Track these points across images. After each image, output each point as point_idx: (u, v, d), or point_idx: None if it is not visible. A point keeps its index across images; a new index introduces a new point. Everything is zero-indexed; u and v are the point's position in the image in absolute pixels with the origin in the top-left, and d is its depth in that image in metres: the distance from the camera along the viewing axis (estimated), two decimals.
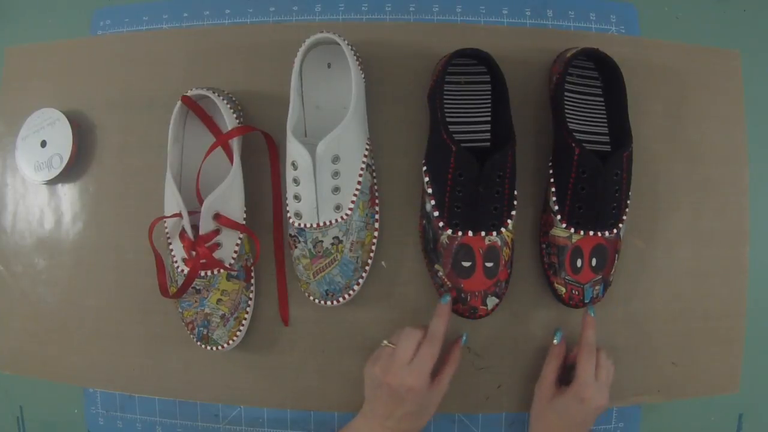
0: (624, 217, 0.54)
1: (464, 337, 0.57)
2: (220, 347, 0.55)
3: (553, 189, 0.54)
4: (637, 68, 0.60)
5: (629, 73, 0.54)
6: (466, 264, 0.52)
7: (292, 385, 0.59)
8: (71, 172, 0.63)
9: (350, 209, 0.54)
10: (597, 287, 0.54)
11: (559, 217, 0.54)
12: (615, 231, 0.53)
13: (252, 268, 0.58)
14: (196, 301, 0.55)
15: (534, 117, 0.59)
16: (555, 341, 0.56)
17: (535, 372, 0.57)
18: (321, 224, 0.53)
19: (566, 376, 0.55)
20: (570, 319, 0.58)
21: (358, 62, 0.56)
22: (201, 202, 0.53)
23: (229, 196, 0.54)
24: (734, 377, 0.60)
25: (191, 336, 0.56)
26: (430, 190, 0.54)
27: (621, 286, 0.58)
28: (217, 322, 0.55)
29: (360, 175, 0.54)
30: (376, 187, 0.58)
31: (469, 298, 0.53)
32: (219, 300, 0.55)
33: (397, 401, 0.50)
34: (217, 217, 0.54)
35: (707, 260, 0.60)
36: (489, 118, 0.58)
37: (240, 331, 0.56)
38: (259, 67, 0.61)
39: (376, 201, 0.58)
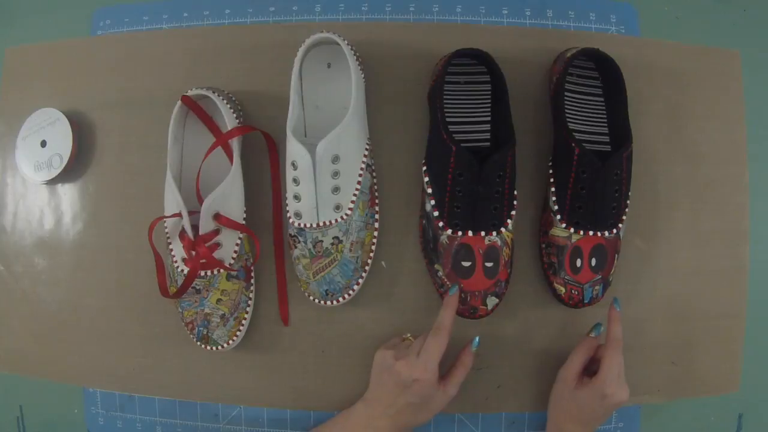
0: (624, 217, 0.54)
1: (475, 341, 0.55)
2: (220, 347, 0.55)
3: (553, 189, 0.54)
4: (637, 68, 0.60)
5: (629, 73, 0.54)
6: (466, 264, 0.52)
7: (292, 385, 0.59)
8: (71, 172, 0.63)
9: (350, 209, 0.54)
10: (597, 287, 0.54)
11: (558, 216, 0.54)
12: (615, 231, 0.53)
13: (252, 268, 0.58)
14: (196, 301, 0.55)
15: (534, 117, 0.59)
16: (592, 334, 0.54)
17: (535, 372, 0.57)
18: (321, 224, 0.53)
19: (588, 367, 0.54)
20: (570, 319, 0.58)
21: (358, 62, 0.56)
22: (201, 202, 0.53)
23: (229, 196, 0.54)
24: (734, 377, 0.60)
25: (191, 336, 0.56)
26: (430, 190, 0.54)
27: (621, 286, 0.58)
28: (217, 322, 0.55)
29: (360, 175, 0.54)
30: (376, 187, 0.58)
31: (469, 298, 0.53)
32: (219, 300, 0.55)
33: (402, 390, 0.50)
34: (217, 217, 0.54)
35: (707, 260, 0.60)
36: (489, 118, 0.58)
37: (240, 331, 0.56)
38: (259, 67, 0.61)
39: (376, 201, 0.58)
